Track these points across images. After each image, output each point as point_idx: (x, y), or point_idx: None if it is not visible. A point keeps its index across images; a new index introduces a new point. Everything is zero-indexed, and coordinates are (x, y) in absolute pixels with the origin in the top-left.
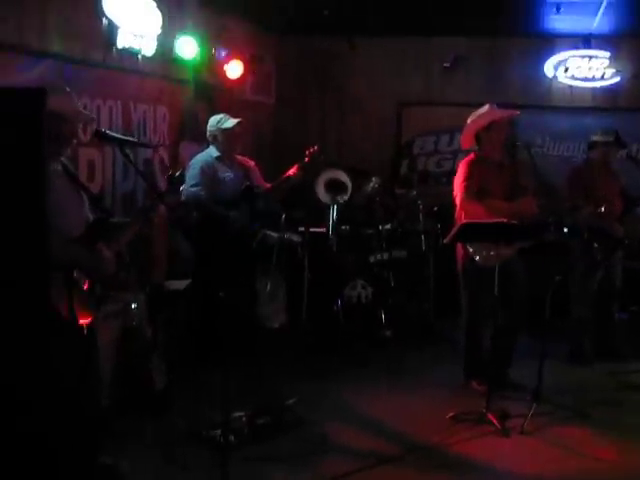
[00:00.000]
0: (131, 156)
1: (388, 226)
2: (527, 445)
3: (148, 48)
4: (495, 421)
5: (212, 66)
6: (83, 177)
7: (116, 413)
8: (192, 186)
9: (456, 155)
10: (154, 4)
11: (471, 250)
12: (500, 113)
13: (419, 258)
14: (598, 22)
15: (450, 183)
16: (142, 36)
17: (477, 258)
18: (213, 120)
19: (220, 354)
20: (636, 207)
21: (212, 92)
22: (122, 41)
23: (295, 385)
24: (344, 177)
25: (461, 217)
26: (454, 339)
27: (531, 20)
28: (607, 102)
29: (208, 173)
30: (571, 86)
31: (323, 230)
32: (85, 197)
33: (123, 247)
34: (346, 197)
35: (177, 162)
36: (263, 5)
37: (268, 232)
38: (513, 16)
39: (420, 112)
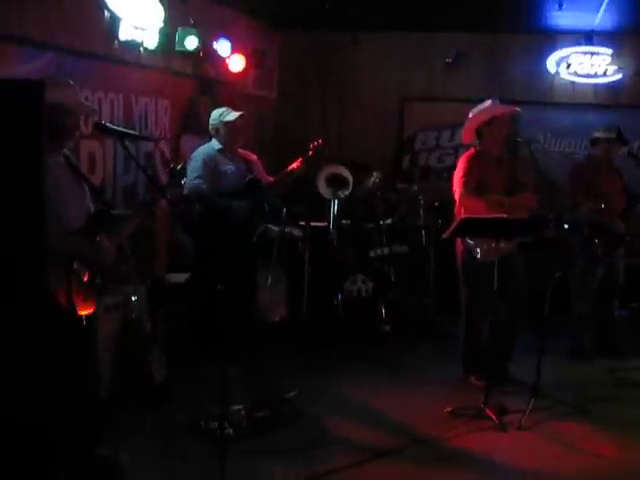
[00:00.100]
0: (133, 149)
1: (389, 221)
2: (525, 440)
3: (150, 41)
4: (493, 416)
5: (214, 60)
6: (84, 169)
7: (116, 405)
8: (194, 178)
9: (457, 150)
10: None
11: (471, 243)
12: (502, 109)
13: (420, 253)
14: (600, 19)
15: (451, 178)
16: (144, 29)
17: (477, 251)
18: (215, 113)
19: (220, 347)
20: (638, 204)
21: (214, 86)
22: (124, 34)
23: (295, 379)
24: (345, 172)
25: (460, 212)
26: (454, 334)
27: (533, 16)
28: (609, 99)
29: (210, 165)
30: (573, 82)
31: (324, 224)
32: (87, 188)
33: (124, 240)
34: (347, 192)
35: (178, 155)
36: None
37: (269, 226)
38: (515, 12)
39: (422, 107)
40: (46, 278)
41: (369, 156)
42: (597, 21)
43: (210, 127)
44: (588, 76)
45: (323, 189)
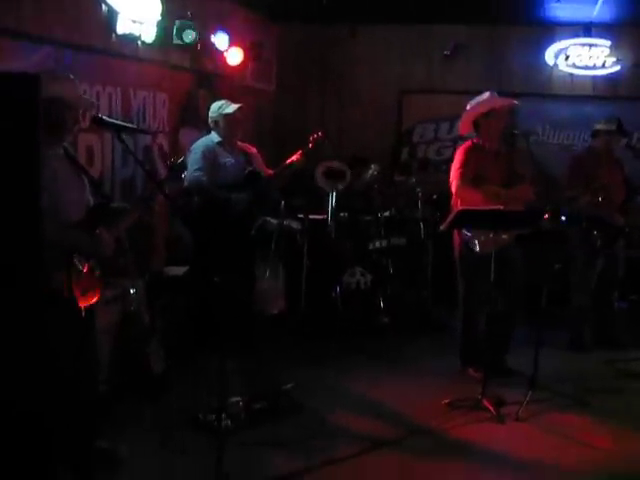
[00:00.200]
0: (131, 143)
1: (387, 213)
2: (522, 432)
3: (148, 34)
4: (490, 407)
5: (212, 52)
6: (82, 163)
7: (114, 398)
8: (195, 171)
9: (456, 143)
10: None
11: (469, 235)
12: (500, 102)
13: (418, 246)
14: (599, 10)
15: (449, 171)
16: (142, 22)
17: (475, 243)
18: (215, 106)
19: (218, 340)
20: (637, 196)
21: (212, 79)
22: (122, 27)
23: (293, 371)
24: (342, 166)
25: (457, 204)
26: (452, 326)
27: (532, 8)
28: (607, 91)
29: (209, 158)
30: (571, 74)
31: (322, 217)
32: (86, 181)
33: (122, 233)
34: (345, 183)
35: (177, 149)
36: None
37: (268, 218)
38: (514, 4)
39: (421, 100)
40: (43, 270)
41: (368, 149)
42: (595, 13)
43: (209, 120)
44: (587, 68)
45: (322, 182)
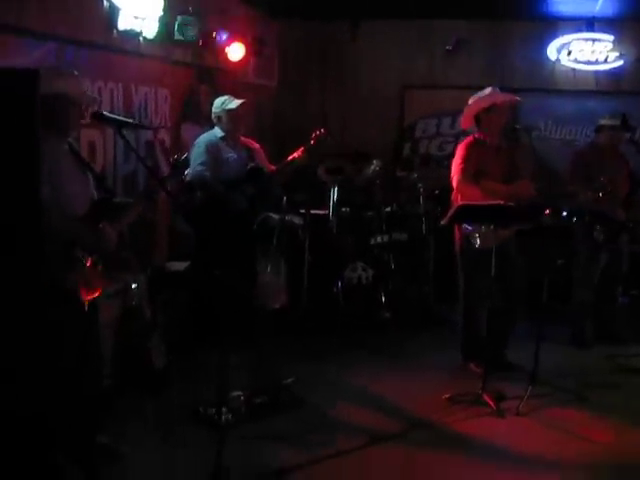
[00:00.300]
0: (132, 138)
1: (389, 209)
2: (522, 426)
3: (149, 30)
4: (491, 402)
5: (213, 48)
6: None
7: (115, 392)
8: (198, 165)
9: (458, 138)
10: None
11: (469, 229)
12: (502, 97)
13: (419, 241)
14: (601, 5)
15: (451, 166)
16: (143, 18)
17: (476, 236)
18: (218, 101)
19: (219, 335)
20: None
21: (214, 74)
22: (123, 23)
23: (294, 366)
24: (343, 162)
25: (457, 199)
26: (453, 321)
27: (534, 3)
28: (610, 85)
29: (212, 152)
30: (574, 69)
31: (324, 212)
32: (90, 176)
33: (125, 228)
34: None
35: (179, 144)
36: None
37: (270, 214)
38: None
39: (423, 95)
40: (44, 264)
41: (369, 144)
42: (598, 8)
43: (212, 115)
44: (589, 63)
45: (324, 176)
